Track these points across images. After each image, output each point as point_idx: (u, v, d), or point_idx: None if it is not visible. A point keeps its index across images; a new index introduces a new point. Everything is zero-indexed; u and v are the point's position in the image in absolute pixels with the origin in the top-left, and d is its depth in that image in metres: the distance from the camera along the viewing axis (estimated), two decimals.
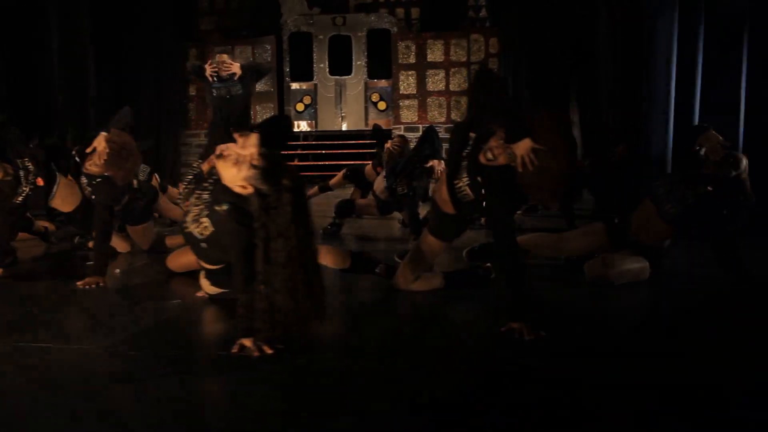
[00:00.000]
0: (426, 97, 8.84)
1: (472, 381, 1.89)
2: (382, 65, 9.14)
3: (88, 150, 3.23)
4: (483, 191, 2.34)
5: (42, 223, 4.27)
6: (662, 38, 4.04)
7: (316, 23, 9.21)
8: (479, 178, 2.34)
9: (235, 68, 4.75)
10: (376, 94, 9.29)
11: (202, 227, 2.23)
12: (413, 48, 8.82)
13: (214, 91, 4.83)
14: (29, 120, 6.59)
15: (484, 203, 2.35)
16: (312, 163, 8.66)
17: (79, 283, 3.03)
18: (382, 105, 9.28)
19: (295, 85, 9.41)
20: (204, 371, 1.99)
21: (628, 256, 2.92)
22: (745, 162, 2.78)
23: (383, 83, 9.26)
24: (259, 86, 9.21)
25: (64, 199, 3.70)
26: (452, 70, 8.75)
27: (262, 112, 9.21)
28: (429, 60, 8.78)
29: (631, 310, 2.73)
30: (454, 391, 1.81)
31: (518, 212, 5.54)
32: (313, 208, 2.86)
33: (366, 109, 9.37)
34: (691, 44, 4.01)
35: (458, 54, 8.72)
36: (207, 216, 2.21)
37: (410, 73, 8.85)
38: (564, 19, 6.71)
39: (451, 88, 8.75)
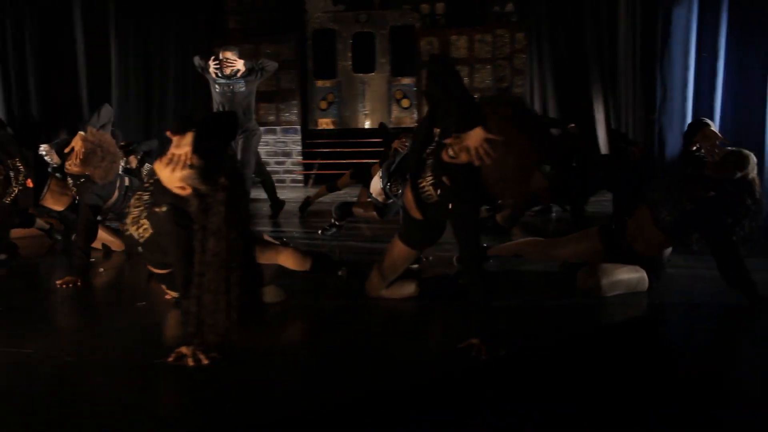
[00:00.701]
0: None
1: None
2: (405, 62, 8.98)
3: (66, 150, 3.22)
4: (445, 192, 2.16)
5: (43, 220, 4.33)
6: (678, 27, 3.73)
7: (339, 20, 9.13)
8: (444, 178, 2.16)
9: (239, 65, 4.69)
10: (400, 92, 9.14)
11: (141, 229, 2.16)
12: (437, 44, 8.62)
13: (217, 87, 4.79)
14: (56, 116, 6.81)
15: (449, 205, 2.17)
16: (335, 161, 8.59)
17: (58, 281, 3.03)
18: (405, 102, 9.12)
19: (318, 83, 9.36)
20: (129, 380, 1.91)
21: (622, 266, 2.68)
22: (753, 161, 2.47)
23: (407, 80, 9.10)
24: (283, 84, 9.23)
25: (55, 198, 3.72)
26: (476, 66, 8.50)
27: (286, 110, 9.21)
28: (453, 56, 8.55)
29: (619, 323, 2.50)
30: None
31: (530, 213, 5.32)
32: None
33: (389, 106, 9.23)
34: (712, 33, 3.69)
35: (483, 50, 8.47)
36: (146, 218, 2.14)
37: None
38: (589, 13, 6.39)
39: (476, 84, 8.50)
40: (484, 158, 1.93)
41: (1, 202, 3.42)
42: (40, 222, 4.29)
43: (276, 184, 5.55)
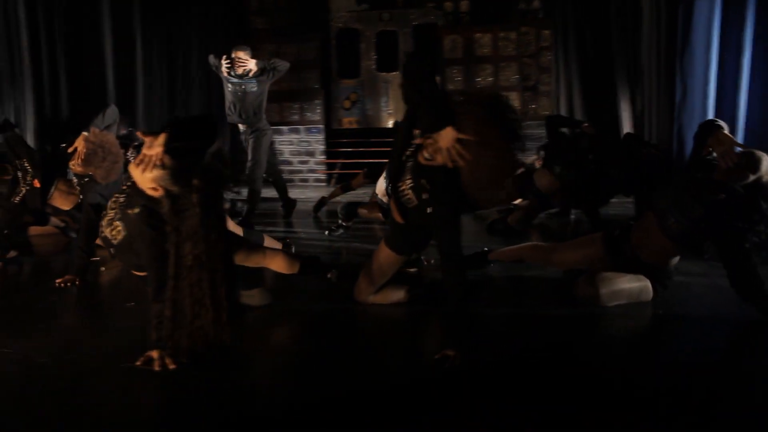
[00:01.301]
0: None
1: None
2: (430, 60, 8.86)
3: (70, 150, 3.26)
4: (423, 196, 2.07)
5: (59, 219, 4.42)
6: (700, 20, 3.53)
7: (363, 19, 9.08)
8: (423, 181, 2.07)
9: (251, 65, 4.69)
10: None
11: (115, 231, 2.14)
12: (460, 42, 8.47)
13: (229, 86, 4.80)
14: (84, 114, 6.97)
15: (427, 209, 2.07)
16: (358, 160, 8.55)
17: (57, 280, 3.06)
18: None
19: (342, 82, 9.34)
20: (97, 383, 1.89)
21: (624, 275, 2.52)
22: (766, 163, 2.28)
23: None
24: (306, 83, 9.24)
25: (62, 197, 3.78)
26: (501, 64, 8.31)
27: (309, 109, 9.22)
28: (477, 54, 8.40)
29: (615, 334, 2.36)
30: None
31: (543, 215, 5.15)
32: None
33: None
34: (737, 27, 3.48)
35: (507, 48, 8.28)
36: (119, 219, 2.12)
37: (457, 68, 8.51)
38: (615, 8, 6.16)
39: (500, 83, 8.32)
40: (456, 159, 1.84)
41: (10, 202, 3.50)
42: (54, 220, 4.37)
43: (299, 184, 5.53)
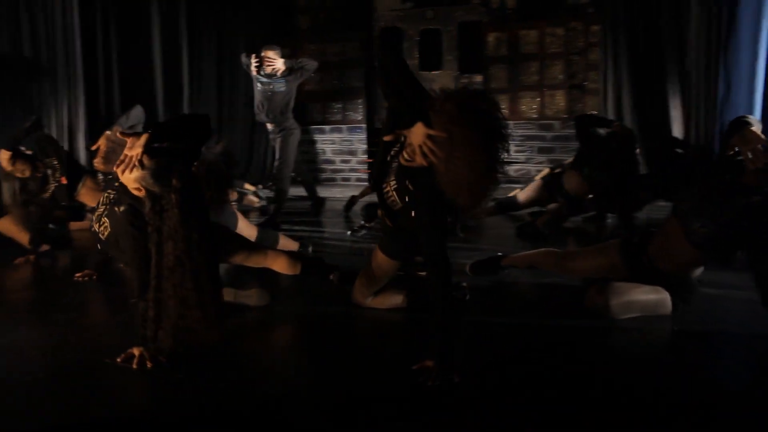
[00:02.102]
0: (518, 92, 8.21)
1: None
2: (473, 59, 8.67)
3: (93, 148, 3.35)
4: (407, 198, 1.97)
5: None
6: (747, 12, 3.24)
7: (406, 18, 8.99)
8: (407, 182, 1.97)
9: (279, 64, 4.70)
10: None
11: (102, 227, 2.16)
12: (505, 39, 8.23)
13: (258, 85, 4.83)
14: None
15: (411, 212, 1.97)
16: None
17: (77, 274, 3.16)
18: None
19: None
20: (82, 380, 1.90)
21: (638, 286, 2.33)
22: None
23: (475, 78, 8.78)
24: (349, 82, 9.25)
25: (89, 194, 3.91)
26: (547, 61, 8.01)
27: (351, 109, 9.23)
28: (522, 52, 8.13)
29: (625, 348, 2.18)
30: None
31: (579, 219, 4.90)
32: None
33: None
34: None
35: (554, 44, 7.97)
36: (106, 216, 2.13)
37: (502, 66, 8.27)
38: (667, 2, 5.81)
39: (546, 81, 8.03)
40: (430, 157, 1.73)
41: (40, 198, 3.65)
42: (90, 216, 4.54)
43: (341, 183, 5.50)
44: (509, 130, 1.76)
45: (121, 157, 1.92)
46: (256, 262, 2.72)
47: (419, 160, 1.79)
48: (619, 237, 2.66)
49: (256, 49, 4.83)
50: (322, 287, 2.82)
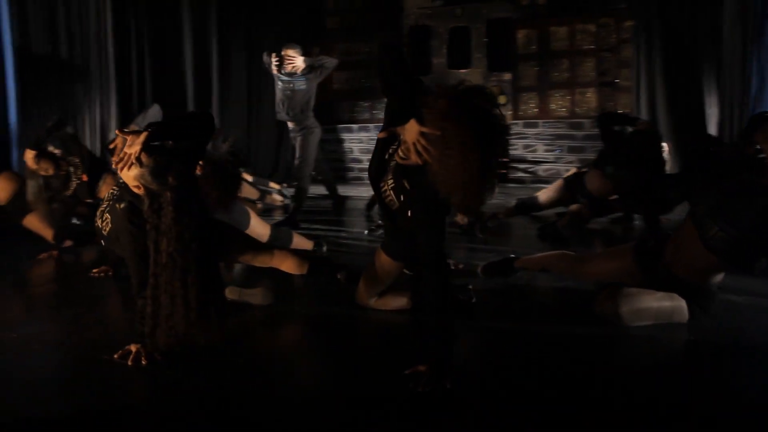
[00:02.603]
0: (547, 90, 8.03)
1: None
2: (502, 56, 8.52)
3: (110, 146, 3.40)
4: (402, 197, 1.91)
5: None
6: None
7: (435, 16, 8.90)
8: (404, 181, 1.92)
9: (298, 63, 4.70)
10: (497, 87, 8.69)
11: (104, 223, 2.17)
12: (535, 36, 8.06)
13: (279, 84, 4.84)
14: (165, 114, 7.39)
15: (408, 212, 1.92)
16: None
17: (94, 270, 3.22)
18: (502, 99, 8.63)
19: None
20: (70, 375, 1.92)
21: (652, 292, 2.22)
22: None
23: (504, 76, 8.63)
24: (377, 82, 9.21)
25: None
26: (578, 58, 7.81)
27: (379, 107, 9.20)
28: (552, 49, 7.95)
29: (629, 358, 2.07)
30: None
31: (602, 220, 4.74)
32: None
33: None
34: None
35: (585, 41, 7.75)
36: (108, 212, 2.15)
37: (531, 63, 8.11)
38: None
39: (577, 78, 7.82)
40: (423, 155, 1.67)
41: (62, 195, 3.74)
42: None
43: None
44: (506, 128, 1.69)
45: (121, 155, 1.93)
46: (263, 261, 2.71)
47: (414, 158, 1.74)
48: (636, 240, 2.54)
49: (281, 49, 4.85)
50: (328, 287, 2.79)
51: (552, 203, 4.16)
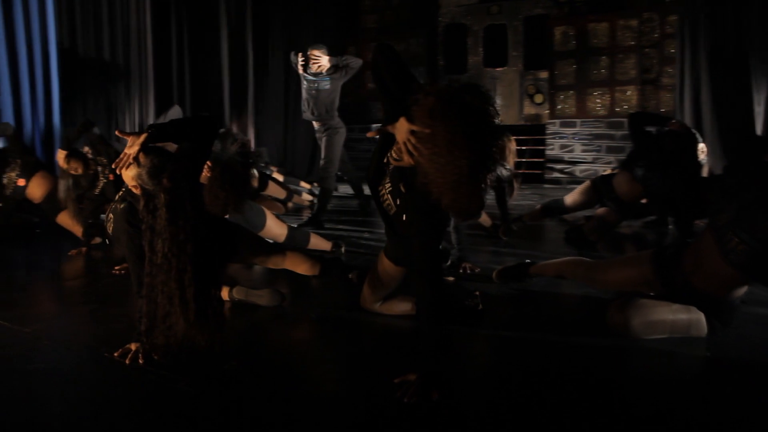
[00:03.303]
0: (586, 88, 7.78)
1: None
2: (539, 54, 8.32)
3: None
4: (398, 201, 1.86)
5: None
6: None
7: (471, 14, 8.77)
8: (401, 185, 1.86)
9: (323, 62, 4.69)
10: (533, 86, 8.50)
11: (109, 223, 2.21)
12: (573, 33, 7.82)
13: (305, 83, 4.85)
14: (204, 106, 7.56)
15: (404, 216, 1.86)
16: None
17: (116, 267, 3.30)
18: (538, 98, 8.46)
19: (448, 79, 9.12)
20: (65, 371, 1.96)
21: (667, 304, 2.09)
22: None
23: (540, 74, 8.42)
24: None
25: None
26: (619, 56, 7.53)
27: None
28: (591, 46, 7.70)
29: (646, 375, 1.95)
30: None
31: (639, 224, 4.55)
32: None
33: (521, 102, 8.64)
34: None
35: (627, 37, 7.47)
36: (113, 212, 2.18)
37: (569, 61, 7.88)
38: None
39: (617, 76, 7.55)
40: (414, 154, 1.61)
41: (91, 193, 3.85)
42: None
43: None
44: (499, 127, 1.61)
45: (121, 155, 1.96)
46: (274, 263, 2.71)
47: (407, 159, 1.68)
48: (655, 247, 2.41)
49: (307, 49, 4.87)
50: (337, 290, 2.77)
51: (579, 206, 4.01)
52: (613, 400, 1.73)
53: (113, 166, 1.96)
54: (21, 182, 4.11)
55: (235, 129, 8.05)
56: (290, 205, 5.70)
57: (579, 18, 7.74)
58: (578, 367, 1.96)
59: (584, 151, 7.64)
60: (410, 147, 1.61)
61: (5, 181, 4.09)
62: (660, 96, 7.22)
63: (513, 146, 4.14)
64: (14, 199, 4.15)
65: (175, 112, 3.67)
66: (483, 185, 1.60)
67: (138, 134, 1.96)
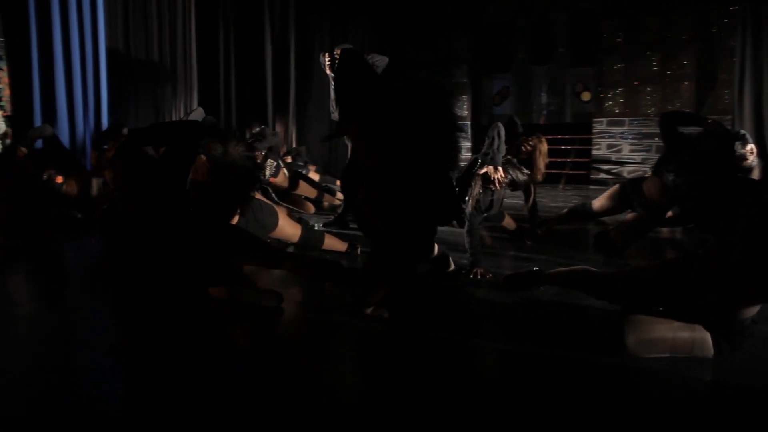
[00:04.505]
0: (636, 84, 7.41)
1: None
2: (586, 50, 7.98)
3: None
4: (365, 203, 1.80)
5: None
6: None
7: (516, 9, 8.53)
8: (365, 187, 1.81)
9: None
10: (580, 83, 8.17)
11: None
12: (623, 27, 7.46)
13: (332, 83, 4.84)
14: (248, 115, 7.74)
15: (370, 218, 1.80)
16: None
17: None
18: (585, 95, 8.13)
19: (491, 77, 8.91)
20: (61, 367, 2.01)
21: (669, 321, 1.93)
22: None
23: (588, 70, 8.09)
24: (454, 78, 9.00)
25: None
26: (672, 51, 7.12)
27: (456, 105, 9.00)
28: (642, 40, 7.32)
29: (642, 397, 1.80)
30: None
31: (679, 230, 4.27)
32: None
33: (568, 99, 8.33)
34: None
35: (681, 30, 7.05)
36: None
37: (618, 56, 7.52)
38: None
39: (669, 72, 7.14)
40: (368, 157, 1.55)
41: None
42: None
43: None
44: (455, 129, 1.52)
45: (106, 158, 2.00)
46: (276, 266, 2.71)
47: (362, 162, 1.63)
48: (663, 260, 2.23)
49: (366, 49, 4.84)
50: (336, 293, 2.74)
51: (607, 211, 3.80)
52: (599, 425, 1.60)
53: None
54: (59, 179, 4.32)
55: (278, 128, 8.19)
56: (326, 204, 5.72)
57: (628, 12, 7.37)
58: (570, 384, 1.84)
59: (633, 150, 7.28)
60: (361, 149, 1.56)
61: (45, 177, 4.32)
62: (717, 93, 6.77)
63: (544, 147, 3.98)
64: (54, 196, 4.37)
65: (197, 114, 3.75)
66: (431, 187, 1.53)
67: (117, 138, 2.00)
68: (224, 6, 7.51)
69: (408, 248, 1.74)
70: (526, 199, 3.86)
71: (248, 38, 7.81)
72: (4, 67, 5.96)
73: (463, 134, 8.17)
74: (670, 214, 3.85)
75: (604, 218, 4.12)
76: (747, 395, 1.77)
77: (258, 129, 6.03)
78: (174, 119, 6.97)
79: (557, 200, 6.47)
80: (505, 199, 3.87)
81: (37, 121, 5.45)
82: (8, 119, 6.11)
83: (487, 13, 8.70)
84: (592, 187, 7.43)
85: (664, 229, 4.55)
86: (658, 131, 3.53)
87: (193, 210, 2.31)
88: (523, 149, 4.04)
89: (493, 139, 3.26)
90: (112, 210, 2.13)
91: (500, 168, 3.28)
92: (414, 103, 1.48)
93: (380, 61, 4.76)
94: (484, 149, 3.36)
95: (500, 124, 3.34)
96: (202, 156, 2.53)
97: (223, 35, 7.63)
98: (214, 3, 7.45)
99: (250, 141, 5.26)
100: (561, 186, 7.03)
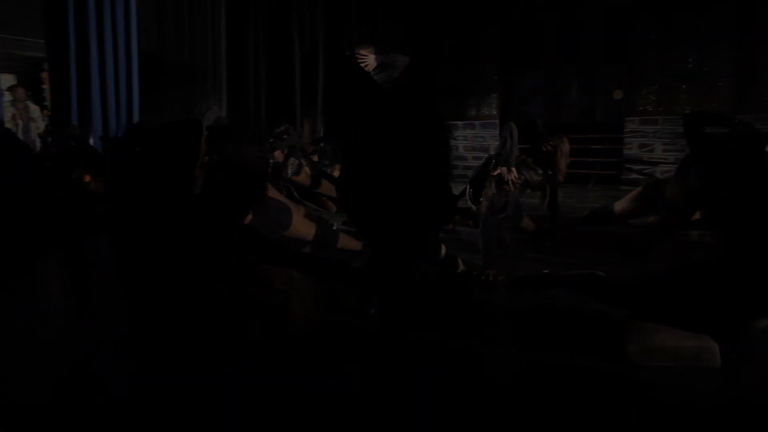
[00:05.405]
0: (669, 81, 7.17)
1: None
2: (618, 47, 7.77)
3: None
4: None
5: None
6: None
7: (544, 5, 8.37)
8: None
9: (370, 61, 4.66)
10: (611, 82, 7.97)
11: None
12: (656, 22, 7.23)
13: None
14: (276, 113, 7.84)
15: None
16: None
17: None
18: (618, 93, 7.91)
19: (521, 75, 8.77)
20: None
21: (672, 329, 1.86)
22: None
23: (619, 68, 7.87)
24: (482, 76, 8.90)
25: None
26: (711, 45, 6.86)
27: (485, 104, 8.91)
28: (676, 34, 7.08)
29: (643, 410, 1.74)
30: None
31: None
32: None
33: (599, 98, 8.13)
34: None
35: (719, 22, 6.78)
36: None
37: (651, 53, 7.30)
38: None
39: (706, 68, 6.89)
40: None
41: None
42: None
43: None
44: (448, 134, 1.50)
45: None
46: (286, 265, 2.72)
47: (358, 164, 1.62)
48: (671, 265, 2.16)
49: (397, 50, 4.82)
50: (342, 292, 2.73)
51: (628, 213, 3.69)
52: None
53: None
54: (87, 178, 4.45)
55: (306, 127, 8.26)
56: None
57: (663, 5, 7.13)
58: (568, 392, 1.80)
59: (666, 150, 7.05)
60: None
61: (74, 176, 4.45)
62: (760, 89, 6.48)
63: (566, 147, 3.91)
64: (82, 194, 4.50)
65: (212, 113, 3.81)
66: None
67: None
68: (253, 7, 7.60)
69: (405, 249, 1.72)
70: (542, 198, 3.79)
71: (277, 38, 7.90)
72: (48, 69, 6.20)
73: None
74: (697, 216, 3.72)
75: (627, 221, 4.01)
76: (757, 412, 1.69)
77: (282, 128, 6.09)
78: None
79: (586, 201, 6.32)
80: (525, 200, 3.81)
81: (74, 121, 5.67)
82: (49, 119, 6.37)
83: (518, 9, 8.57)
84: (623, 187, 7.24)
85: (694, 233, 4.40)
86: (683, 132, 3.40)
87: (202, 210, 2.34)
88: (544, 149, 3.96)
89: (505, 139, 3.21)
90: (116, 209, 2.18)
91: (514, 169, 3.22)
92: (404, 106, 1.47)
93: (400, 60, 4.73)
94: (497, 150, 3.31)
95: (513, 125, 3.29)
96: (214, 156, 2.58)
97: (252, 36, 7.73)
98: (243, 4, 7.56)
99: (271, 140, 5.31)
100: (591, 186, 6.87)
